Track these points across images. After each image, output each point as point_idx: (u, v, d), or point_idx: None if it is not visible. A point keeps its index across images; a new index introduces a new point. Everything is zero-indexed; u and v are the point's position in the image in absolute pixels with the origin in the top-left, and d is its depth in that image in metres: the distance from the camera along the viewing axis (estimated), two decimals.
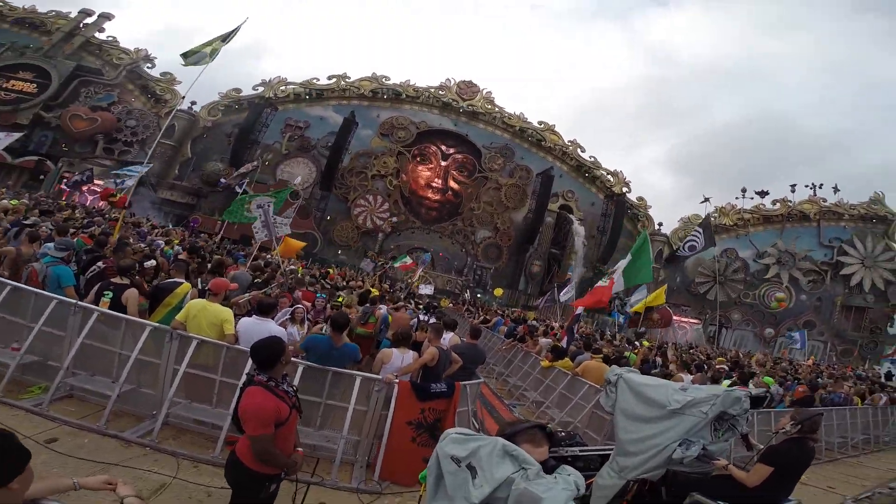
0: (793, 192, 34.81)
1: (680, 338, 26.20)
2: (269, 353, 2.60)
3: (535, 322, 15.68)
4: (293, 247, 14.45)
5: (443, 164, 35.94)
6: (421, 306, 11.29)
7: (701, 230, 19.23)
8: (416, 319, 8.26)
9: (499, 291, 30.76)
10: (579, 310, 10.39)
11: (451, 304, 21.14)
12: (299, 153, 33.98)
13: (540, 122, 37.23)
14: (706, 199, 35.55)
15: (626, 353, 10.24)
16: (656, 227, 35.07)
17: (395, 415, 4.62)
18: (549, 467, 1.91)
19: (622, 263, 8.98)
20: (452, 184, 35.78)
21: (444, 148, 36.15)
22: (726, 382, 8.16)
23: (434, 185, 35.68)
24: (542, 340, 10.45)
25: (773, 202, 35.08)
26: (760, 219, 34.62)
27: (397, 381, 4.66)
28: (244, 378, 2.81)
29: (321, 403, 4.64)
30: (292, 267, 13.30)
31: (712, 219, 33.14)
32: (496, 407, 8.44)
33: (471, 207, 35.33)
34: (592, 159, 36.71)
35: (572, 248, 33.03)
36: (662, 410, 3.52)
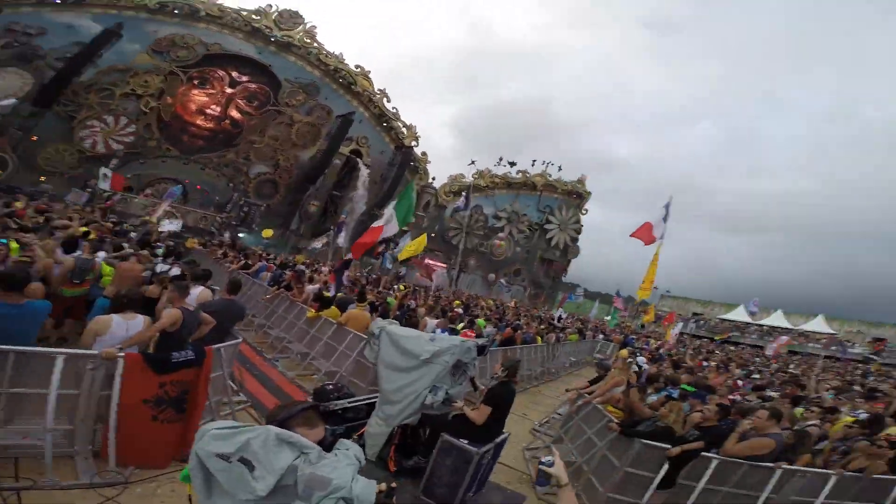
0: (532, 165, 43.66)
1: (435, 282, 30.72)
2: None
3: (303, 266, 14.67)
4: None
5: (228, 90, 30.40)
6: (159, 251, 9.01)
7: (465, 195, 23.40)
8: (150, 271, 6.64)
9: (268, 232, 28.23)
10: (348, 255, 10.26)
11: (198, 246, 18.12)
12: (15, 62, 23.87)
13: (357, 66, 35.01)
14: (472, 162, 41.74)
15: (388, 298, 11.22)
16: (430, 180, 39.00)
17: (123, 394, 3.70)
18: (326, 445, 1.91)
19: (390, 208, 9.26)
20: (235, 113, 30.87)
21: (235, 75, 30.49)
22: (461, 325, 9.95)
23: (210, 111, 30.11)
24: (309, 287, 9.90)
25: (517, 172, 42.99)
26: (505, 184, 42.22)
27: (122, 354, 3.73)
28: None
29: (1, 394, 3.44)
30: None
31: (472, 178, 39.99)
32: (257, 364, 7.90)
33: (251, 140, 31.37)
34: (395, 110, 37.04)
35: (355, 191, 33.95)
36: (417, 360, 4.06)
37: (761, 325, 44.81)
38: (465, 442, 4.00)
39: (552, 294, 43.08)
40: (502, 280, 37.48)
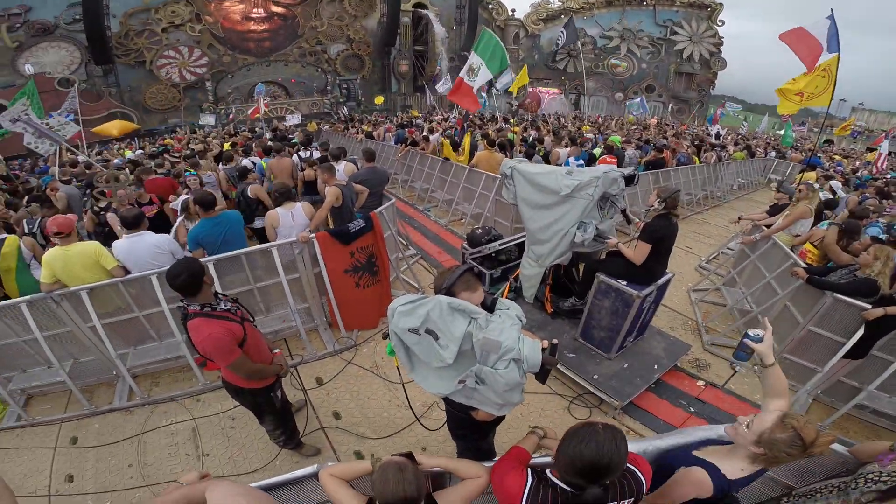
0: None
1: (547, 108, 28.79)
2: (186, 281, 2.26)
3: (420, 121, 15.50)
4: (111, 130, 13.63)
5: None
6: (294, 141, 9.97)
7: (564, 29, 20.08)
8: (295, 158, 7.38)
9: (379, 99, 30.27)
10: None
11: (320, 127, 20.04)
12: (40, 39, 24.23)
13: None
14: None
15: (508, 135, 10.65)
16: (510, 13, 35.62)
17: (328, 269, 4.39)
18: (487, 306, 1.99)
19: (473, 57, 8.47)
20: (276, 8, 29.65)
21: None
22: (597, 151, 8.96)
23: (254, 15, 29.21)
24: (433, 137, 10.41)
25: None
26: (604, 2, 36.73)
27: (313, 235, 4.27)
28: (179, 311, 2.44)
29: (253, 289, 4.37)
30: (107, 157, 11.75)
31: (561, 2, 36.42)
32: (413, 216, 8.76)
33: (312, 26, 30.74)
34: None
35: (434, 42, 33.46)
36: (556, 196, 3.73)
37: None
38: (624, 283, 3.74)
39: (702, 109, 37.71)
40: (634, 100, 32.74)
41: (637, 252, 3.65)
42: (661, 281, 3.87)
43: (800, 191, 5.29)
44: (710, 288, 6.03)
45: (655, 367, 4.10)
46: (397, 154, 10.84)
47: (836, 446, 2.06)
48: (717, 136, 17.13)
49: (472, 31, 32.48)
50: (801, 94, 7.15)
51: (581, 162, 7.17)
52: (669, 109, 36.88)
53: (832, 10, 6.87)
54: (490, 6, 35.41)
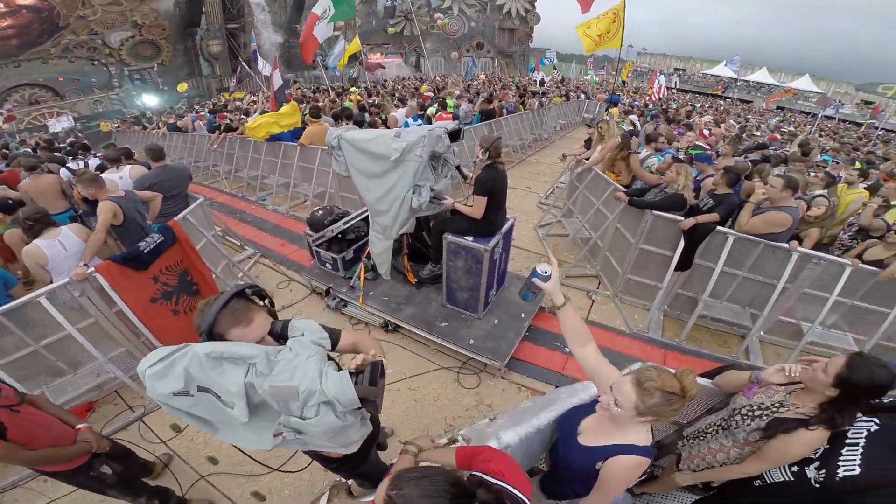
0: None
1: (387, 74, 28.12)
2: None
3: (239, 102, 14.17)
4: None
5: None
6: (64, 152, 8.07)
7: None
8: (64, 173, 5.85)
9: (182, 86, 26.30)
10: (276, 78, 8.73)
11: (114, 127, 16.98)
12: None
13: None
14: None
15: (344, 103, 9.90)
16: None
17: (129, 304, 3.30)
18: (277, 334, 1.55)
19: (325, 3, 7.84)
20: (21, 0, 23.00)
21: None
22: (432, 109, 8.94)
23: None
24: (251, 119, 8.87)
25: None
26: None
27: (91, 269, 3.17)
28: None
29: (38, 350, 3.27)
30: None
31: None
32: (245, 211, 7.54)
33: (81, 15, 24.74)
34: None
35: (251, 19, 30.49)
36: (388, 162, 3.53)
37: (748, 81, 43.04)
38: (471, 239, 3.66)
39: (524, 61, 41.08)
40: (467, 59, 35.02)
41: (475, 207, 3.59)
42: (504, 228, 3.88)
43: (600, 127, 5.80)
44: (552, 221, 6.38)
45: (523, 315, 4.17)
46: (212, 144, 9.34)
47: (701, 380, 2.18)
48: (542, 82, 18.51)
49: (297, 5, 30.22)
50: (600, 36, 7.82)
51: (419, 122, 6.89)
52: (497, 64, 39.33)
53: None
54: None
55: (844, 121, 30.76)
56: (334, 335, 1.67)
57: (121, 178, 4.66)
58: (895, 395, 1.69)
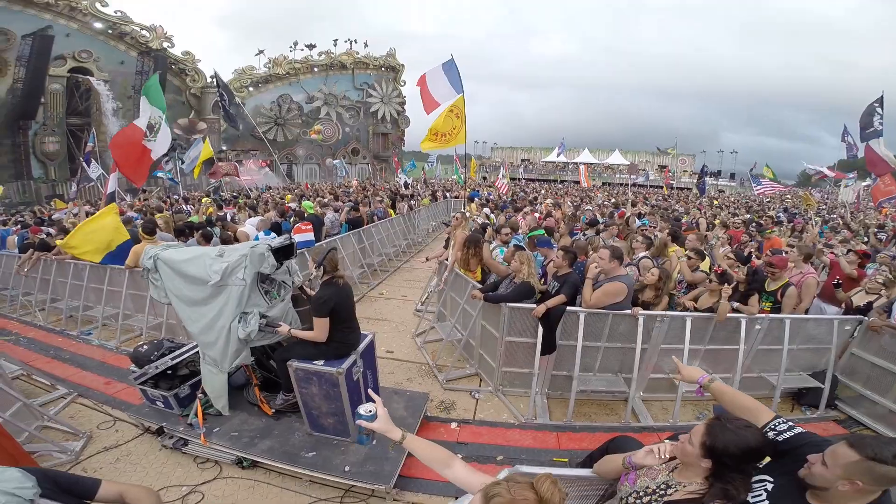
0: (335, 45, 40.43)
1: (252, 184, 26.97)
2: None
3: (62, 214, 11.98)
4: None
5: None
6: None
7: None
8: None
9: None
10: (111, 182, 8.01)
11: None
12: None
13: None
14: (261, 52, 37.07)
15: (190, 217, 9.17)
16: (208, 80, 32.94)
17: None
18: None
19: (154, 115, 7.44)
20: None
21: None
22: (292, 218, 8.56)
23: None
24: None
25: (319, 54, 39.48)
26: (309, 67, 38.82)
27: None
28: None
29: None
30: None
31: (267, 68, 36.42)
32: (64, 347, 6.24)
33: None
34: (120, 14, 28.59)
35: (101, 114, 27.91)
36: (208, 287, 3.14)
37: (577, 164, 51.88)
38: (321, 363, 3.30)
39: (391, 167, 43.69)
40: (335, 162, 35.34)
41: (316, 330, 3.27)
42: (362, 346, 3.60)
43: (455, 219, 6.07)
44: (427, 329, 6.32)
45: (367, 445, 3.76)
46: (22, 266, 7.56)
47: (579, 471, 2.10)
48: (406, 185, 19.68)
49: None
50: (439, 135, 8.26)
51: (273, 234, 6.51)
52: (372, 169, 41.19)
53: (451, 55, 8.21)
54: (184, 72, 31.80)
55: (652, 186, 37.85)
56: (84, 484, 1.56)
57: None
58: (788, 434, 1.63)
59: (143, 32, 29.80)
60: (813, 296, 5.07)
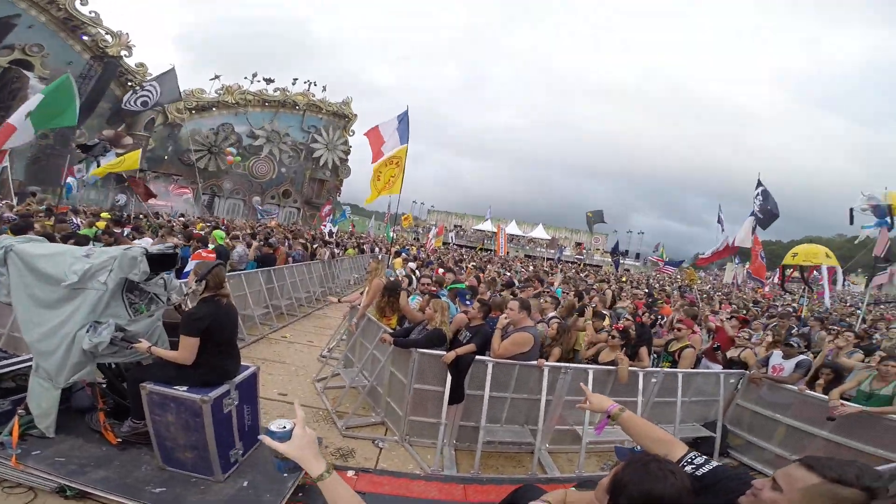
0: (293, 84, 39.88)
1: (165, 208, 24.83)
2: None
3: None
4: None
5: None
6: None
7: (157, 84, 14.47)
8: None
9: None
10: None
11: None
12: None
13: None
14: (216, 77, 35.56)
15: (81, 230, 8.08)
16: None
17: None
18: None
19: (26, 107, 6.72)
20: None
21: None
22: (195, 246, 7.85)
23: None
24: None
25: (275, 90, 38.67)
26: (261, 101, 37.70)
27: None
28: None
29: None
30: None
31: (217, 94, 34.64)
32: None
33: None
34: (94, 14, 27.07)
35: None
36: (61, 289, 2.75)
37: (499, 232, 54.83)
38: (183, 389, 2.86)
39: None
40: (258, 204, 33.59)
41: (181, 349, 2.85)
42: (241, 377, 3.15)
43: (371, 266, 6.16)
44: (330, 375, 5.94)
45: (285, 474, 3.20)
46: None
47: None
48: (330, 233, 19.26)
49: (89, 108, 25.14)
50: (379, 184, 8.24)
51: None
52: (301, 215, 39.54)
53: (407, 106, 8.51)
54: (130, 83, 28.97)
55: (567, 261, 40.64)
56: None
57: None
58: (707, 468, 1.45)
59: (106, 37, 27.95)
60: (699, 348, 5.59)
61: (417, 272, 10.29)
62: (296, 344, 7.47)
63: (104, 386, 3.44)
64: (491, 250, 43.04)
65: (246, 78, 37.48)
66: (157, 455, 3.09)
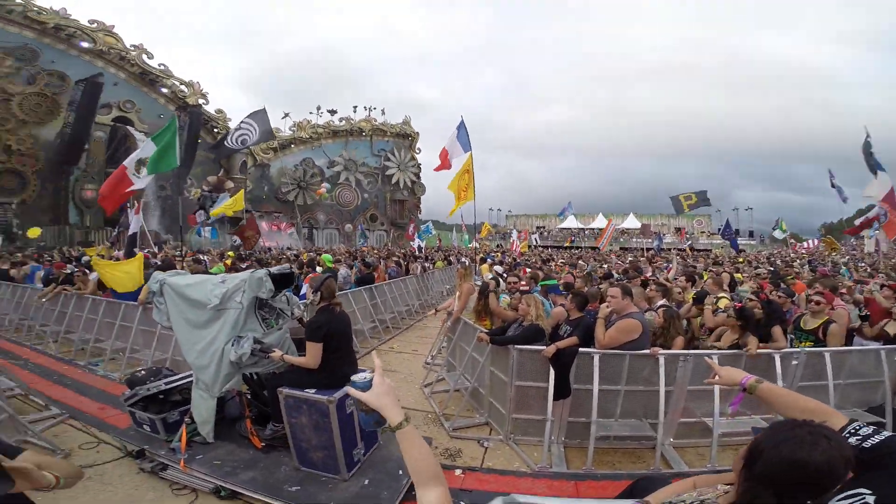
0: (354, 112, 42.43)
1: (278, 245, 27.74)
2: None
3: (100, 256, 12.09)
4: None
5: None
6: None
7: (253, 123, 16.42)
8: None
9: (34, 231, 21.80)
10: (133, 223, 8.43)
11: None
12: None
13: (92, 21, 27.17)
14: (286, 115, 38.55)
15: (212, 269, 9.37)
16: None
17: None
18: None
19: (137, 155, 7.67)
20: None
21: None
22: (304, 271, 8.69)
23: None
24: (93, 275, 8.05)
25: (340, 119, 41.26)
26: (331, 132, 40.22)
27: None
28: None
29: None
30: None
31: (292, 132, 37.41)
32: (68, 375, 6.41)
33: None
34: (163, 67, 30.80)
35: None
36: (208, 310, 3.24)
37: (593, 229, 51.97)
38: (312, 392, 3.21)
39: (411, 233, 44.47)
40: (361, 225, 35.83)
41: (309, 355, 3.23)
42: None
43: (459, 271, 6.30)
44: (436, 380, 6.14)
45: (400, 471, 3.53)
46: (42, 296, 7.94)
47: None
48: (419, 248, 20.06)
49: (189, 157, 27.97)
50: (458, 194, 8.57)
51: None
52: (390, 236, 41.76)
53: (462, 116, 8.83)
54: (215, 129, 32.66)
55: (668, 249, 37.16)
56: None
57: None
58: (876, 439, 1.21)
59: (182, 87, 31.44)
60: (846, 325, 4.79)
61: (504, 275, 10.29)
62: (403, 353, 7.91)
63: (249, 396, 3.99)
64: (580, 248, 41.27)
65: (311, 112, 40.33)
66: (293, 456, 3.49)
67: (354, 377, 1.30)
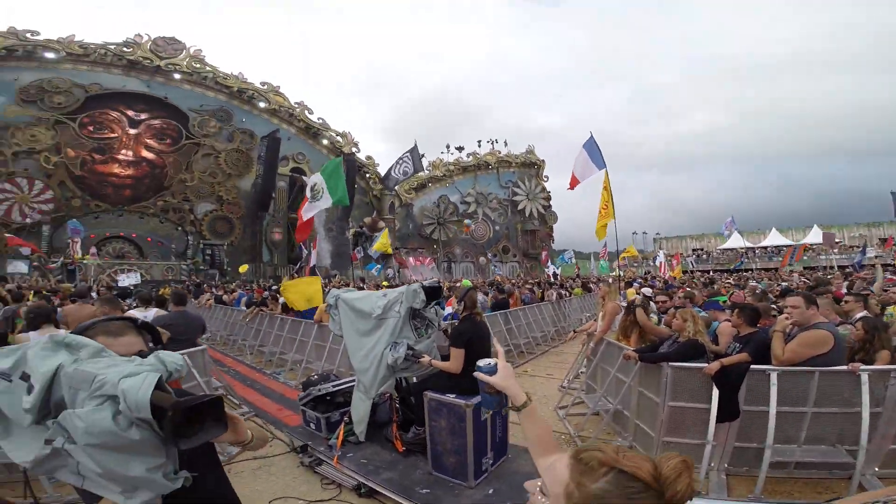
0: (479, 146, 43.78)
1: (422, 276, 29.80)
2: None
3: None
4: None
5: (131, 131, 27.57)
6: (129, 300, 8.85)
7: (410, 156, 19.60)
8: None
9: (244, 268, 26.94)
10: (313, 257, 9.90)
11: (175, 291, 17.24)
12: None
13: (263, 83, 33.45)
14: (422, 156, 41.07)
15: None
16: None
17: None
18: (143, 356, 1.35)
19: (318, 181, 8.92)
20: (147, 153, 28.06)
21: (131, 113, 27.59)
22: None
23: (121, 157, 27.20)
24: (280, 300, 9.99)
25: (467, 155, 42.90)
26: (461, 169, 41.97)
27: None
28: None
29: None
30: None
31: (427, 172, 39.53)
32: (258, 380, 7.86)
33: (182, 179, 28.82)
34: (321, 121, 35.92)
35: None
36: (371, 319, 3.77)
37: (765, 248, 43.39)
38: (453, 396, 3.45)
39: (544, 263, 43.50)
40: (494, 260, 36.75)
41: (452, 360, 3.50)
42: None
43: (602, 289, 6.16)
44: (572, 402, 5.87)
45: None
46: (245, 316, 10.28)
47: None
48: (555, 275, 19.49)
49: (349, 202, 32.06)
50: (600, 215, 8.13)
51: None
52: (522, 267, 41.62)
53: (591, 132, 8.42)
54: (367, 175, 36.71)
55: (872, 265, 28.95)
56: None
57: (145, 316, 4.76)
58: None
59: (338, 138, 35.72)
60: None
61: (653, 297, 9.38)
62: (536, 377, 7.83)
63: (398, 403, 4.40)
64: (750, 270, 35.13)
65: (442, 152, 42.37)
66: (428, 461, 3.75)
67: (480, 362, 1.42)
